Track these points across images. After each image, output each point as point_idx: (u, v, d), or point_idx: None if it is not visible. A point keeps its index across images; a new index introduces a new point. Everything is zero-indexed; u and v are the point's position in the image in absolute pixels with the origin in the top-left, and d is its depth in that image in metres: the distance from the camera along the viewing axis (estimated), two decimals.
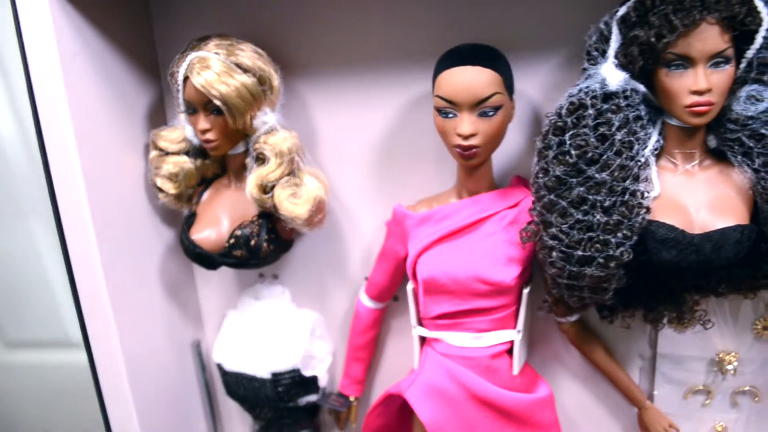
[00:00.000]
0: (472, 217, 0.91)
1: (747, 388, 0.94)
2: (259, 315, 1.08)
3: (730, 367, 0.93)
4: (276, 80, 0.95)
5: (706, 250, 0.77)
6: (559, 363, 1.04)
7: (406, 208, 0.97)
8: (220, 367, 1.10)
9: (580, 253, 0.78)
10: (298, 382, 1.06)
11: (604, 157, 0.77)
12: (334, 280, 1.11)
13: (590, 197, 0.77)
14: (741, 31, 0.74)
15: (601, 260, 0.78)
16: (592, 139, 0.77)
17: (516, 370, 0.93)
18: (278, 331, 1.07)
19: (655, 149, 0.83)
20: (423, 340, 0.98)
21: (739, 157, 0.77)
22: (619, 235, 0.77)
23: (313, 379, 1.08)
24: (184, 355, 1.16)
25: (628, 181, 0.77)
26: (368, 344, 1.07)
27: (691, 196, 0.82)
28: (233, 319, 1.11)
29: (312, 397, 1.09)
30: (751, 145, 0.76)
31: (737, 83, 0.76)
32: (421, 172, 1.02)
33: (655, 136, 0.83)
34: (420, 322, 0.97)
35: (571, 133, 0.78)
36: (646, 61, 0.77)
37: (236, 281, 1.16)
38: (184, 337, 1.16)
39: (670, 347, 0.96)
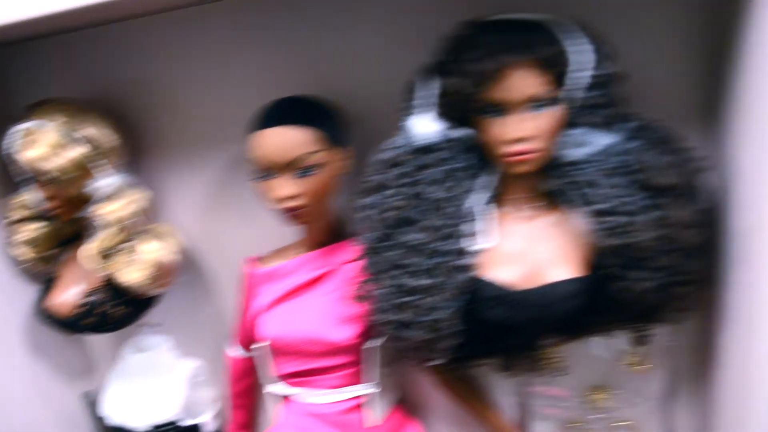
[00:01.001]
0: (311, 274, 0.88)
1: (624, 423, 0.90)
2: (140, 366, 1.08)
3: (603, 403, 0.90)
4: (115, 143, 0.93)
5: (537, 305, 0.73)
6: (437, 406, 1.00)
7: (253, 263, 0.95)
8: (102, 420, 1.10)
9: (397, 317, 0.74)
10: None
11: (417, 218, 0.72)
12: (218, 325, 1.09)
13: (404, 261, 0.73)
14: (560, 72, 0.68)
15: (419, 325, 0.74)
16: (404, 200, 0.73)
17: (375, 422, 0.90)
18: (158, 381, 1.06)
19: (493, 197, 0.78)
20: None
21: (575, 201, 0.71)
22: (436, 298, 0.73)
23: (199, 427, 1.07)
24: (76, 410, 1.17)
25: (444, 241, 0.73)
26: (247, 391, 1.05)
27: (529, 245, 0.77)
28: (116, 371, 1.10)
29: None
30: (586, 190, 0.70)
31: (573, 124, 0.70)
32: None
33: (489, 187, 0.78)
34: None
35: (381, 193, 0.74)
36: (462, 110, 0.71)
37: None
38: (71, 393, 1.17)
39: (540, 385, 0.91)
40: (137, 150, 1.02)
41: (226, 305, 1.08)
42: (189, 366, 1.09)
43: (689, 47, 0.75)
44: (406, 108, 0.74)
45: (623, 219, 0.67)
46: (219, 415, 1.14)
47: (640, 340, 0.84)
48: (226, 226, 1.03)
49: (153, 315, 1.08)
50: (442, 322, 0.73)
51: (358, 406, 0.90)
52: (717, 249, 0.74)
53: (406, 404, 1.01)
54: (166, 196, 1.05)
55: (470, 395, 0.98)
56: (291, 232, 0.94)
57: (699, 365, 0.88)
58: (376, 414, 0.91)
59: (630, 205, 0.67)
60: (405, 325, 0.75)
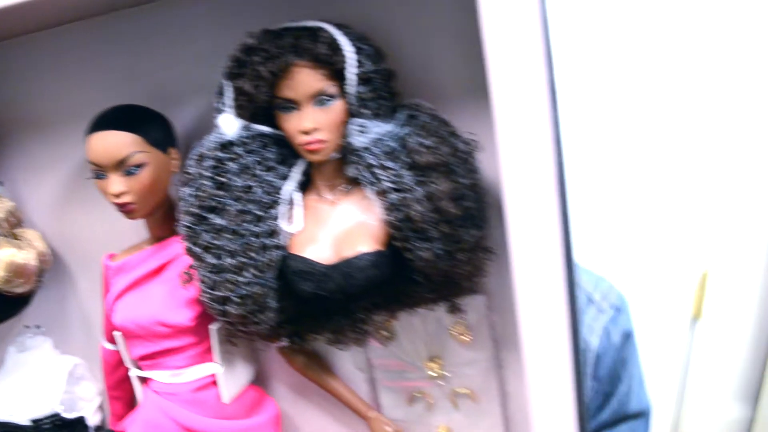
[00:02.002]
0: (152, 265, 0.97)
1: (462, 390, 0.99)
2: (21, 365, 1.13)
3: (438, 372, 0.98)
4: None
5: (338, 278, 0.82)
6: (294, 383, 1.08)
7: (109, 259, 1.03)
8: None
9: (217, 293, 0.82)
10: (61, 426, 1.11)
11: (224, 204, 0.81)
12: (93, 321, 1.16)
13: (216, 242, 0.82)
14: (339, 70, 0.77)
15: (236, 299, 0.82)
16: (212, 189, 0.81)
17: (226, 399, 0.98)
18: (37, 378, 1.12)
19: (302, 184, 0.87)
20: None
21: (368, 183, 0.80)
22: (248, 274, 0.82)
23: (80, 420, 1.13)
24: None
25: (251, 224, 0.82)
26: (120, 383, 1.11)
27: (333, 226, 0.86)
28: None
29: None
30: (372, 172, 0.79)
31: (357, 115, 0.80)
32: None
33: (297, 174, 0.87)
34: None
35: (193, 184, 0.82)
36: (259, 107, 0.81)
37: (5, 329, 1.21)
38: None
39: (381, 357, 1.00)
40: None
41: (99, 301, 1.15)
42: (69, 363, 1.15)
43: (462, 42, 0.85)
44: (216, 109, 0.84)
45: (399, 196, 0.77)
46: (100, 409, 1.20)
47: (453, 310, 0.94)
48: (91, 224, 1.12)
49: (29, 317, 1.15)
50: (257, 296, 0.82)
51: (210, 384, 0.98)
52: (489, 219, 0.84)
53: (261, 382, 1.09)
54: (26, 199, 1.13)
55: (317, 371, 1.07)
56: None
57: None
58: (228, 391, 0.98)
59: (403, 184, 0.77)
60: (224, 301, 0.84)
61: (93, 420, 1.17)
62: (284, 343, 0.99)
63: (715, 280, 2.37)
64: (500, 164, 0.66)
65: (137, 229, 1.03)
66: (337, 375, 1.04)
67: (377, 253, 0.81)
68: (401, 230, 0.79)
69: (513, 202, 0.67)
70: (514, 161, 0.65)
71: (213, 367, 0.97)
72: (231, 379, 0.99)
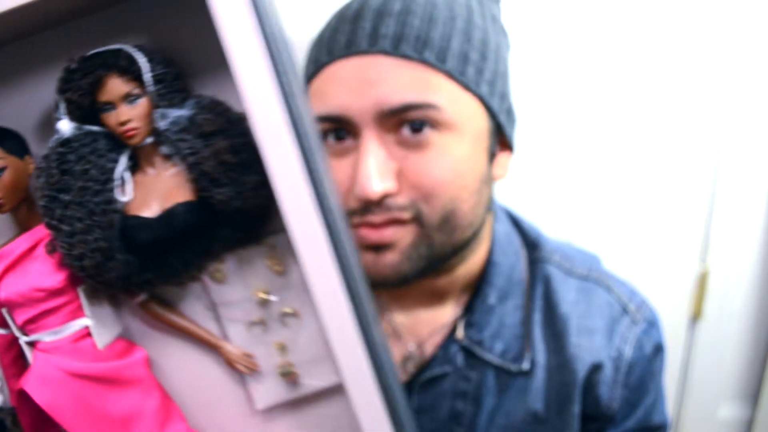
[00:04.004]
0: (26, 245, 1.22)
1: (287, 310, 1.28)
2: None
3: (266, 299, 1.27)
4: None
5: (163, 225, 1.12)
6: (157, 333, 1.33)
7: None
8: None
9: (74, 252, 1.10)
10: None
11: (68, 184, 1.10)
12: None
13: (67, 213, 1.10)
14: (139, 76, 1.08)
15: (89, 254, 1.11)
16: (58, 175, 1.10)
17: (100, 346, 1.24)
18: None
19: (130, 166, 1.17)
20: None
21: (174, 153, 1.11)
22: (93, 234, 1.10)
23: None
24: None
25: (92, 197, 1.11)
26: (14, 361, 1.31)
27: (157, 192, 1.17)
28: None
29: None
30: (174, 145, 1.11)
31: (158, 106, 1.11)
32: None
33: (124, 159, 1.17)
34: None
35: (43, 174, 1.11)
36: (85, 111, 1.10)
37: None
38: None
39: (219, 296, 1.28)
40: None
41: None
42: None
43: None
44: (56, 118, 1.13)
45: (195, 157, 1.09)
46: (2, 389, 1.39)
47: (266, 245, 1.25)
48: None
49: None
50: (103, 248, 1.11)
51: (86, 335, 1.23)
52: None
53: (129, 337, 1.35)
54: None
55: (172, 317, 1.34)
56: None
57: None
58: (101, 340, 1.24)
59: (196, 148, 1.09)
60: (80, 257, 1.12)
61: None
62: (141, 297, 1.27)
63: (715, 280, 2.41)
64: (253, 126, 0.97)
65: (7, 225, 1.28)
66: (190, 318, 1.31)
67: (189, 203, 1.13)
68: (201, 182, 1.10)
69: (266, 155, 0.96)
70: (259, 122, 0.95)
71: (85, 321, 1.23)
72: (102, 329, 1.24)
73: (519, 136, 1.43)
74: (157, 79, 1.09)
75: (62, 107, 1.11)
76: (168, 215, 1.12)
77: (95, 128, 1.14)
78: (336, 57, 1.07)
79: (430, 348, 1.31)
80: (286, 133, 0.95)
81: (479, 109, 1.09)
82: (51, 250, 1.15)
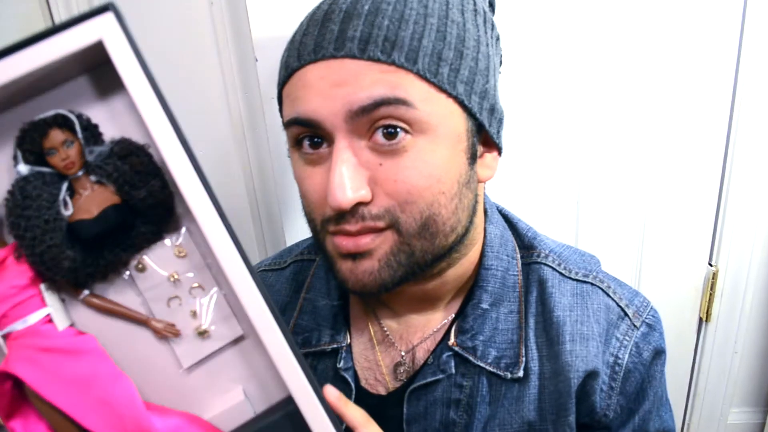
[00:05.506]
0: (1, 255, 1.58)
1: (195, 285, 1.53)
2: None
3: (177, 278, 1.59)
4: None
5: (101, 223, 1.21)
6: (102, 320, 1.60)
7: None
8: None
9: (36, 251, 1.55)
10: None
11: (27, 204, 1.48)
12: None
13: (30, 224, 1.50)
14: (73, 130, 1.60)
15: (46, 252, 1.47)
16: (19, 201, 1.52)
17: (60, 328, 1.62)
18: None
19: (69, 193, 1.65)
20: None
21: (101, 175, 1.50)
22: (47, 237, 1.50)
23: None
24: None
25: (44, 212, 1.51)
26: None
27: (92, 202, 1.39)
28: None
29: None
30: (101, 168, 1.38)
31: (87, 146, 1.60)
32: None
33: (64, 186, 1.64)
34: None
35: (11, 200, 1.58)
36: (37, 156, 1.60)
37: None
38: None
39: (143, 282, 1.42)
40: None
41: None
42: None
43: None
44: (16, 162, 1.57)
45: (116, 173, 1.22)
46: None
47: (173, 237, 1.71)
48: None
49: None
50: (55, 247, 1.26)
51: (48, 321, 1.55)
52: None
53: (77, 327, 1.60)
54: None
55: (111, 305, 1.46)
56: None
57: None
58: (61, 323, 1.53)
59: (116, 166, 1.20)
60: (39, 255, 1.51)
61: None
62: (84, 293, 1.67)
63: (725, 282, 2.38)
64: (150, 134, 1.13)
65: None
66: (122, 304, 1.52)
67: (116, 204, 1.35)
68: (123, 189, 1.27)
69: (168, 164, 1.13)
70: (160, 143, 1.13)
71: (47, 310, 1.57)
72: (60, 316, 1.53)
73: (514, 135, 1.39)
74: (84, 128, 1.62)
75: (20, 156, 1.60)
76: (103, 214, 1.52)
77: (44, 168, 1.57)
78: (305, 62, 1.05)
79: (421, 354, 1.27)
80: (180, 149, 1.11)
81: (456, 109, 1.05)
82: (18, 255, 1.60)
